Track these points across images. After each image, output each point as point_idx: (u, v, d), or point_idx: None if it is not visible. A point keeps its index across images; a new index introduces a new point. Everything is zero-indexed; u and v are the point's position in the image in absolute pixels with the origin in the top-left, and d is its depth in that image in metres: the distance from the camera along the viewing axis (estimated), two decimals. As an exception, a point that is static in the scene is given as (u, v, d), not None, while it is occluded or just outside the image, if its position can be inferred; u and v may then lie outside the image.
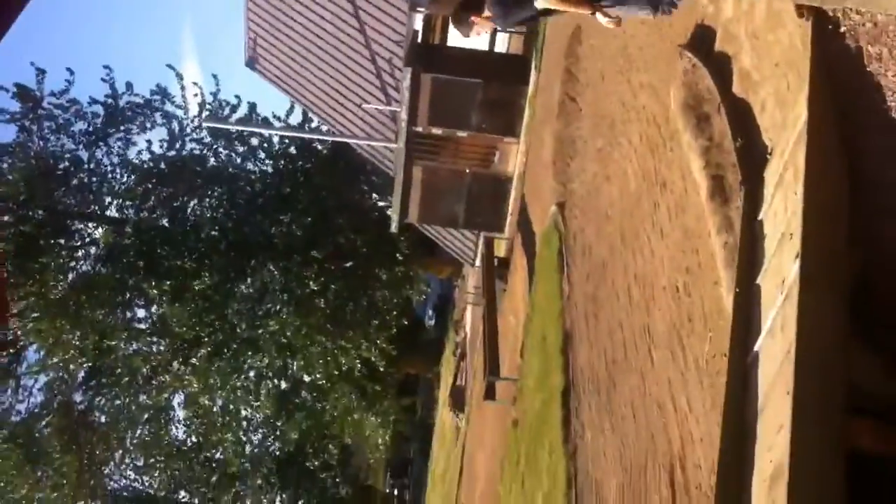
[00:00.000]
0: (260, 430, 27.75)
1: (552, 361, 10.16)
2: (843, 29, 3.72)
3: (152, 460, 26.07)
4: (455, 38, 20.00)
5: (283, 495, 28.45)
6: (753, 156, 4.61)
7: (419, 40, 19.27)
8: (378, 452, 29.54)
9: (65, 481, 23.83)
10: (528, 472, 10.65)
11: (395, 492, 39.16)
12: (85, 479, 24.38)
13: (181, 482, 26.79)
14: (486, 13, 5.38)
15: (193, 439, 26.06)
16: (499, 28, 5.44)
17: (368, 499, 30.88)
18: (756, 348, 3.76)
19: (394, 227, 20.44)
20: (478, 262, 22.81)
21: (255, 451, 27.47)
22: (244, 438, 26.80)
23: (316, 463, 26.91)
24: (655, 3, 5.27)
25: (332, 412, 25.42)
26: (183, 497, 27.66)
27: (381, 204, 25.69)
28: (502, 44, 20.67)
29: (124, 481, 27.75)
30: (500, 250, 19.53)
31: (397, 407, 28.70)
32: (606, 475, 6.95)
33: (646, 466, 5.84)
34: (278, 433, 27.24)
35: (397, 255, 24.03)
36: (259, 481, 26.44)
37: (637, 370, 6.53)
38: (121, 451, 26.06)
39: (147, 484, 27.46)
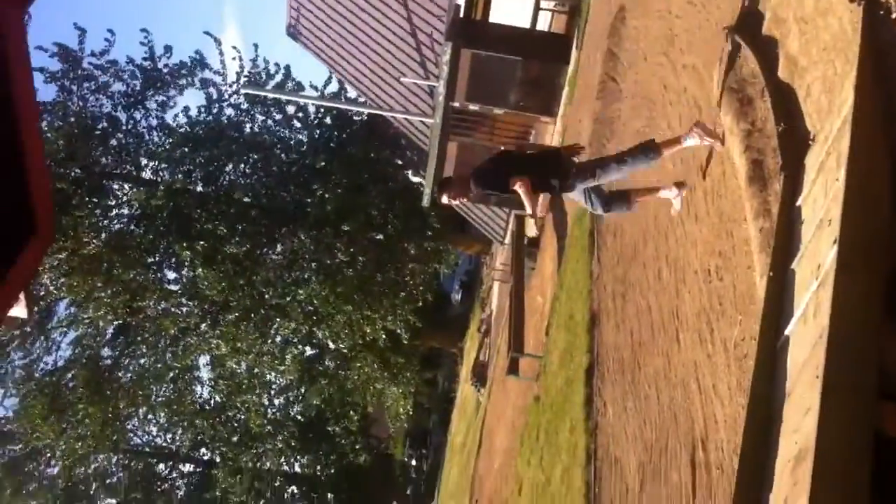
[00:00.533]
0: (283, 395, 28.08)
1: (578, 340, 10.19)
2: (894, 15, 3.69)
3: (175, 418, 26.44)
4: (497, 15, 19.93)
5: (303, 459, 28.73)
6: (795, 141, 4.58)
7: (461, 15, 19.20)
8: (398, 422, 29.78)
9: (89, 432, 24.18)
10: (547, 448, 10.71)
11: (414, 461, 39.51)
12: (108, 432, 24.73)
13: (203, 440, 27.11)
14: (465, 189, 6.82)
15: (217, 399, 26.38)
16: (474, 198, 7.56)
17: (387, 467, 31.14)
18: (787, 332, 3.77)
19: (425, 202, 20.49)
20: (507, 240, 22.84)
21: (278, 414, 27.80)
22: (267, 402, 27.15)
23: (337, 429, 27.14)
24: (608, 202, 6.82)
25: (355, 381, 25.64)
26: (204, 454, 28.03)
27: (413, 178, 25.74)
28: (544, 22, 20.56)
29: (147, 437, 28.24)
30: (530, 229, 19.52)
31: (419, 379, 28.86)
32: (627, 453, 6.99)
33: (667, 446, 5.87)
34: (301, 398, 27.56)
35: (427, 229, 24.09)
36: (280, 444, 26.70)
37: (663, 352, 6.55)
38: (145, 408, 26.43)
39: (169, 440, 27.89)
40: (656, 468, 6.03)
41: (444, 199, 7.05)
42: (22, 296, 3.00)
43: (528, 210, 6.64)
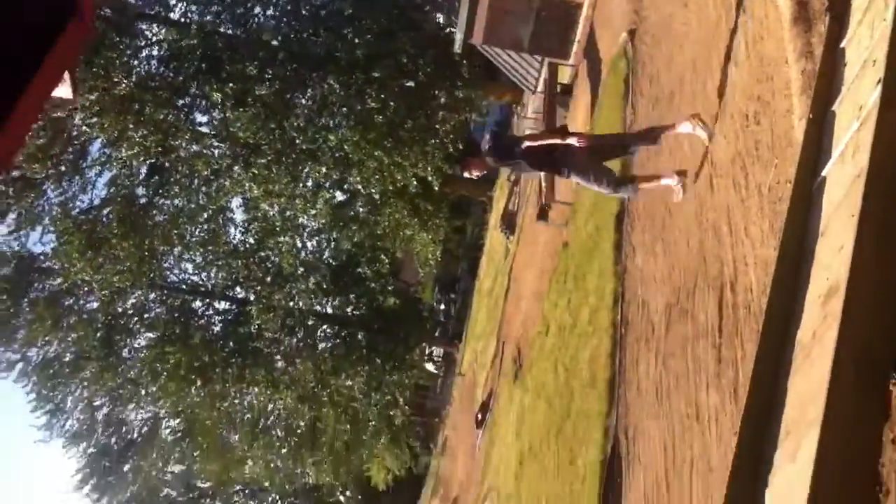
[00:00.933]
0: (315, 238, 28.56)
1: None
2: None
3: (210, 258, 27.04)
4: None
5: (334, 300, 29.45)
6: (844, -20, 4.46)
7: None
8: (427, 268, 30.34)
9: (125, 268, 24.81)
10: (574, 291, 10.94)
11: (442, 305, 40.44)
12: (145, 269, 25.36)
13: (238, 279, 27.79)
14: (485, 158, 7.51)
15: (251, 241, 26.89)
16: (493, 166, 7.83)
17: (416, 310, 31.90)
18: (823, 174, 3.79)
19: (457, 48, 20.14)
20: (539, 89, 22.49)
21: (310, 256, 28.36)
22: (300, 244, 27.66)
23: (367, 272, 27.69)
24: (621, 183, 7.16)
25: (385, 226, 25.97)
26: (239, 293, 28.79)
27: (445, 26, 25.22)
28: None
29: (183, 275, 28.98)
30: (564, 77, 19.20)
31: (448, 226, 29.18)
32: (654, 295, 7.15)
33: (695, 288, 6.00)
34: (332, 242, 28.04)
35: (458, 77, 23.78)
36: (312, 285, 27.33)
37: (696, 197, 6.59)
38: (180, 247, 26.99)
39: (205, 279, 28.63)
40: (683, 309, 6.19)
41: (466, 174, 7.92)
42: (67, 77, 3.05)
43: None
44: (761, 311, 4.57)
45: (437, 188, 25.12)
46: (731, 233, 5.45)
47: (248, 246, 27.07)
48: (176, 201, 25.55)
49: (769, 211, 4.84)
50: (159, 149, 23.60)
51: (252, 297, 27.56)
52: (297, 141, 23.47)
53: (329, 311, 29.99)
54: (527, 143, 7.53)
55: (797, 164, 4.07)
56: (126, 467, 32.36)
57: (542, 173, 7.14)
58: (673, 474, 5.75)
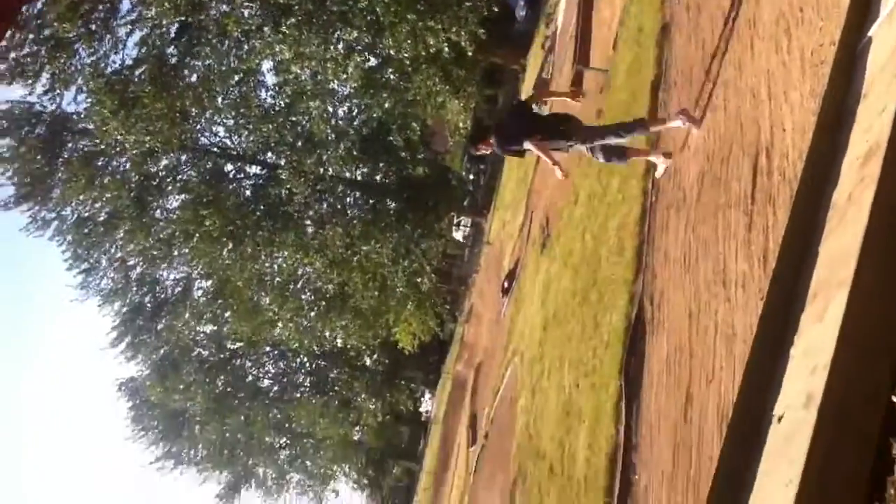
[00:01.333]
0: (346, 104, 28.31)
1: (646, 53, 9.97)
2: None
3: (242, 121, 26.98)
4: None
5: (364, 167, 29.42)
6: None
7: None
8: (458, 136, 30.07)
9: (157, 128, 24.85)
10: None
11: (472, 175, 40.29)
12: (177, 130, 25.37)
13: (269, 144, 27.77)
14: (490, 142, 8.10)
15: (282, 104, 26.71)
16: (497, 152, 8.46)
17: (445, 179, 31.81)
18: (869, 34, 3.66)
19: None
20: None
21: (340, 123, 28.18)
22: (330, 109, 27.43)
23: (398, 140, 27.54)
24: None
25: (417, 93, 25.64)
26: (270, 157, 28.79)
27: None
28: None
29: (215, 138, 28.98)
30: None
31: (480, 95, 28.74)
32: (687, 163, 7.07)
33: (729, 155, 5.91)
34: (363, 108, 27.78)
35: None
36: (342, 151, 27.25)
37: (734, 61, 6.41)
38: (211, 110, 26.90)
39: (236, 142, 28.63)
40: (716, 177, 6.12)
41: (474, 152, 8.67)
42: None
43: (549, 162, 7.95)
44: (796, 177, 4.52)
45: (470, 54, 24.62)
46: (771, 98, 5.32)
47: (278, 110, 26.88)
48: (207, 62, 25.29)
49: (811, 75, 4.71)
50: (189, 6, 23.19)
51: (283, 162, 27.54)
52: (328, 2, 22.96)
53: (359, 178, 30.00)
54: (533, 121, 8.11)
55: (842, 26, 3.94)
56: (159, 326, 33.22)
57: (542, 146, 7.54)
58: (696, 340, 5.82)
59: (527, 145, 7.80)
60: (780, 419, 3.06)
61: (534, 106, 8.73)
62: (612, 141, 7.70)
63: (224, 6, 23.97)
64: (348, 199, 29.70)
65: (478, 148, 8.46)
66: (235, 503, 43.37)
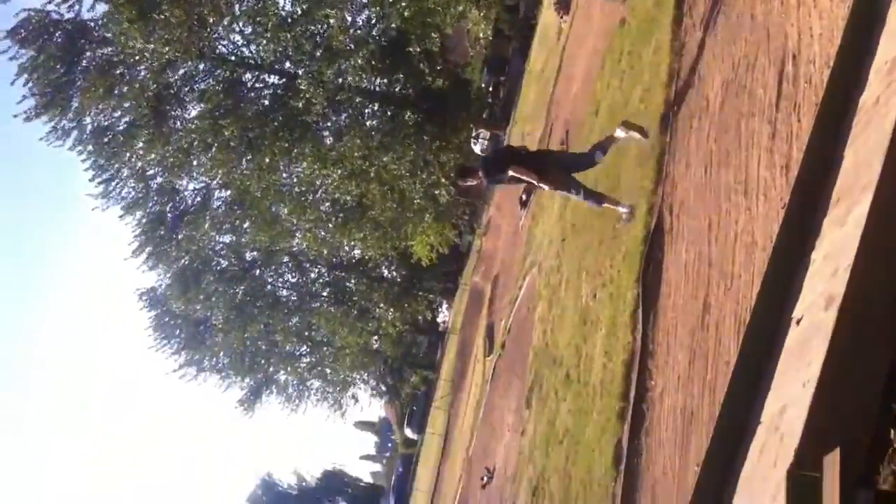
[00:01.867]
0: (364, 12, 27.81)
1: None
2: None
3: (259, 29, 26.59)
4: None
5: (383, 78, 29.08)
6: None
7: None
8: (477, 47, 29.63)
9: (175, 36, 24.54)
10: (628, 69, 10.71)
11: (491, 87, 39.79)
12: (194, 39, 25.04)
13: (287, 53, 27.43)
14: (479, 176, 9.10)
15: (300, 11, 26.26)
16: (486, 184, 9.50)
17: (464, 91, 31.46)
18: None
19: None
20: None
21: (359, 32, 27.75)
22: (349, 18, 26.97)
23: (417, 50, 27.14)
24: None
25: (437, 1, 25.15)
26: (288, 67, 28.44)
27: None
28: None
29: (232, 46, 28.63)
30: None
31: (501, 5, 28.21)
32: (711, 71, 6.99)
33: (755, 62, 5.84)
34: (382, 17, 27.31)
35: None
36: (361, 61, 26.89)
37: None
38: (229, 17, 26.51)
39: (254, 52, 28.30)
40: (741, 84, 6.05)
41: (462, 183, 9.78)
42: None
43: (530, 180, 8.76)
44: (822, 83, 4.48)
45: (491, -39, 24.12)
46: (799, 3, 5.23)
47: (296, 17, 26.43)
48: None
49: (842, -22, 4.61)
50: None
51: (301, 72, 27.23)
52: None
53: (377, 89, 29.68)
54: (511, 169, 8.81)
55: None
56: (179, 237, 33.42)
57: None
58: (715, 249, 5.85)
59: (511, 172, 8.62)
60: (798, 322, 3.11)
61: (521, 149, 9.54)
62: (582, 167, 8.83)
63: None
64: (367, 110, 29.45)
65: (465, 180, 9.41)
66: (257, 408, 44.28)
